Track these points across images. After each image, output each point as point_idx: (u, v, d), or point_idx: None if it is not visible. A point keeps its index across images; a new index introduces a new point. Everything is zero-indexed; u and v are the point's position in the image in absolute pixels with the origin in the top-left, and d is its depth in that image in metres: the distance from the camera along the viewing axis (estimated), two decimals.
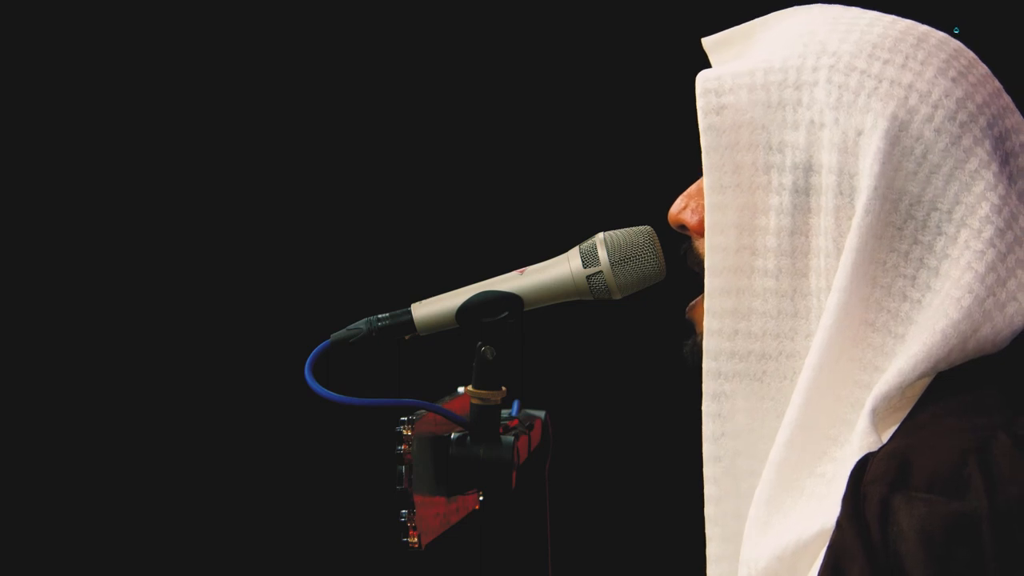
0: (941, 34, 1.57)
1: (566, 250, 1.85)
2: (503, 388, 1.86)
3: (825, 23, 1.57)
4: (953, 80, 1.52)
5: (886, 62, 1.52)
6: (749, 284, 1.56)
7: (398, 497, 1.80)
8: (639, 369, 3.48)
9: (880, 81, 1.51)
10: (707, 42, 1.67)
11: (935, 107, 1.50)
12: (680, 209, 1.66)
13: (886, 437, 1.47)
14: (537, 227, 3.46)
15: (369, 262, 3.56)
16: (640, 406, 3.52)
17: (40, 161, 3.59)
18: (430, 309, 1.86)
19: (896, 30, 1.55)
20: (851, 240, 1.48)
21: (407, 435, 1.79)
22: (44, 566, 3.60)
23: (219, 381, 3.58)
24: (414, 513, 1.79)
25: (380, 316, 1.87)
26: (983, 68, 1.56)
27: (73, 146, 3.59)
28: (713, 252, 1.57)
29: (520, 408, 2.00)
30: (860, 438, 1.45)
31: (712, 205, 1.56)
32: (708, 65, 1.65)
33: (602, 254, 1.82)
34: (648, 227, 1.83)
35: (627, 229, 1.84)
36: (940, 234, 1.49)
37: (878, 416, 1.47)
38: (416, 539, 1.80)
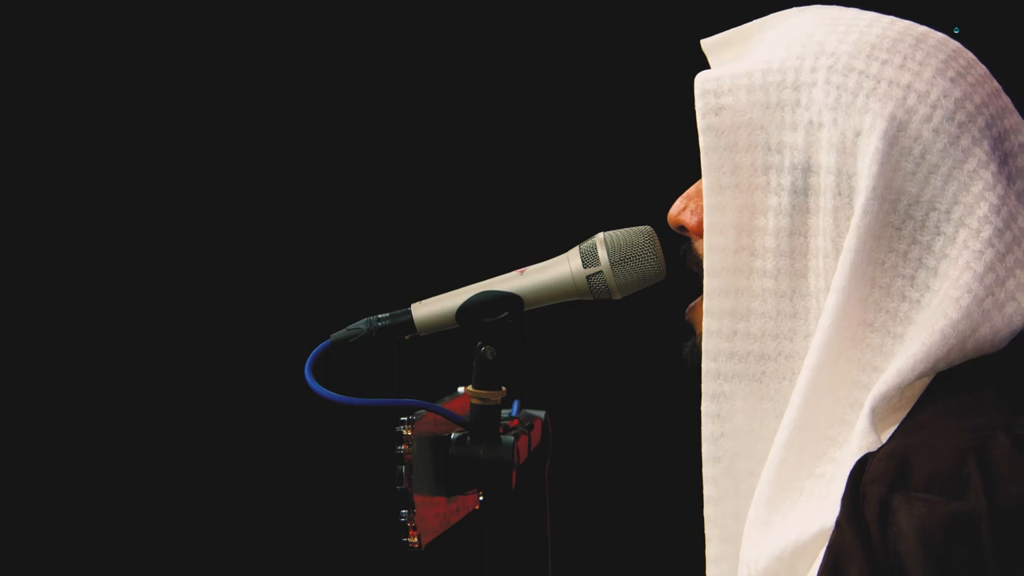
0: (940, 35, 1.57)
1: (566, 250, 1.85)
2: (503, 388, 1.86)
3: (824, 24, 1.57)
4: (951, 80, 1.52)
5: (884, 62, 1.52)
6: (748, 285, 1.56)
7: (398, 497, 1.80)
8: (639, 369, 3.48)
9: (878, 81, 1.51)
10: (706, 43, 1.67)
11: (933, 107, 1.50)
12: (679, 210, 1.66)
13: (885, 437, 1.47)
14: (537, 227, 3.46)
15: (369, 262, 3.56)
16: (640, 406, 3.52)
17: (40, 162, 3.59)
18: (430, 309, 1.86)
19: (895, 30, 1.55)
20: (849, 240, 1.48)
21: (407, 435, 1.79)
22: (44, 566, 3.60)
23: (219, 381, 3.59)
24: (414, 513, 1.79)
25: (380, 316, 1.87)
26: (982, 68, 1.56)
27: (73, 147, 3.59)
28: (712, 253, 1.57)
29: (520, 408, 2.00)
30: (859, 438, 1.46)
31: (711, 206, 1.56)
32: (707, 66, 1.65)
33: (602, 254, 1.82)
34: (648, 227, 1.83)
35: (627, 229, 1.84)
36: (939, 234, 1.49)
37: (877, 416, 1.47)
38: (416, 539, 1.80)
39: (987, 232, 1.47)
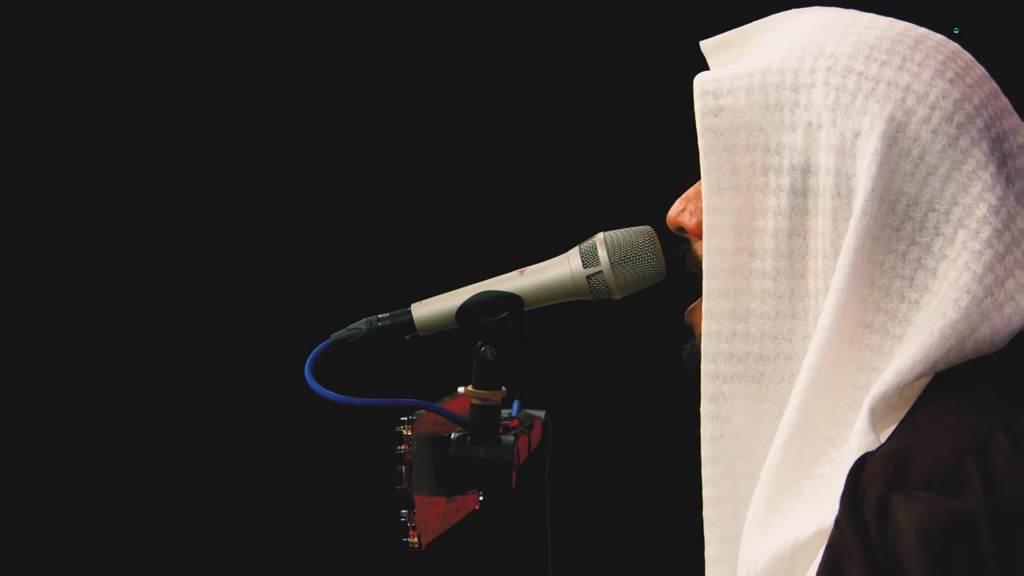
0: (939, 36, 1.58)
1: (566, 250, 1.85)
2: (503, 388, 1.86)
3: (823, 25, 1.57)
4: (950, 81, 1.52)
5: (883, 63, 1.52)
6: (747, 286, 1.56)
7: (398, 497, 1.80)
8: (639, 370, 3.48)
9: (877, 82, 1.51)
10: (705, 45, 1.67)
11: (932, 108, 1.50)
12: (678, 211, 1.66)
13: (884, 437, 1.47)
14: (537, 227, 3.46)
15: (369, 262, 3.56)
16: (640, 407, 3.52)
17: (40, 162, 3.59)
18: (430, 309, 1.86)
19: (894, 32, 1.56)
20: (848, 241, 1.48)
21: (407, 435, 1.79)
22: (44, 566, 3.61)
23: (220, 381, 3.59)
24: (414, 513, 1.79)
25: (380, 316, 1.87)
26: (980, 70, 1.57)
27: (73, 147, 3.59)
28: (711, 254, 1.57)
29: (520, 408, 2.00)
30: (858, 438, 1.46)
31: (710, 207, 1.56)
32: (706, 67, 1.65)
33: (602, 254, 1.82)
34: (648, 227, 1.83)
35: (627, 229, 1.84)
36: (938, 235, 1.49)
37: (876, 416, 1.47)
38: (416, 539, 1.80)
39: (986, 233, 1.48)
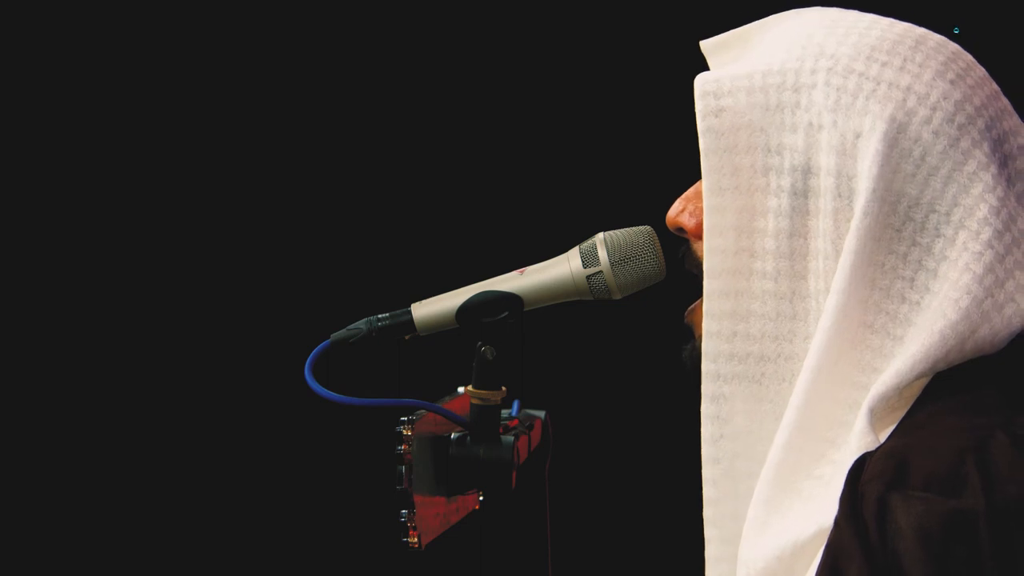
0: (939, 36, 1.58)
1: (566, 250, 1.85)
2: (503, 388, 1.86)
3: (823, 26, 1.57)
4: (951, 82, 1.52)
5: (884, 64, 1.52)
6: (748, 286, 1.56)
7: (398, 497, 1.80)
8: (639, 370, 3.48)
9: (878, 83, 1.51)
10: (705, 45, 1.67)
11: (933, 109, 1.50)
12: (678, 212, 1.66)
13: (883, 437, 1.47)
14: (537, 227, 3.46)
15: (369, 262, 3.56)
16: (640, 407, 3.52)
17: (40, 162, 3.59)
18: (430, 309, 1.86)
19: (894, 32, 1.56)
20: (849, 242, 1.48)
21: (407, 435, 1.79)
22: (44, 566, 3.61)
23: (220, 381, 3.59)
24: (414, 513, 1.79)
25: (380, 316, 1.87)
26: (981, 71, 1.57)
27: (73, 147, 3.59)
28: (712, 254, 1.57)
29: (520, 408, 2.00)
30: (858, 438, 1.46)
31: (711, 207, 1.56)
32: (706, 67, 1.65)
33: (602, 254, 1.82)
34: (648, 227, 1.83)
35: (627, 229, 1.84)
36: (938, 236, 1.49)
37: (876, 416, 1.47)
38: (416, 539, 1.80)
39: (987, 234, 1.48)
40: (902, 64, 1.52)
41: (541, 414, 2.03)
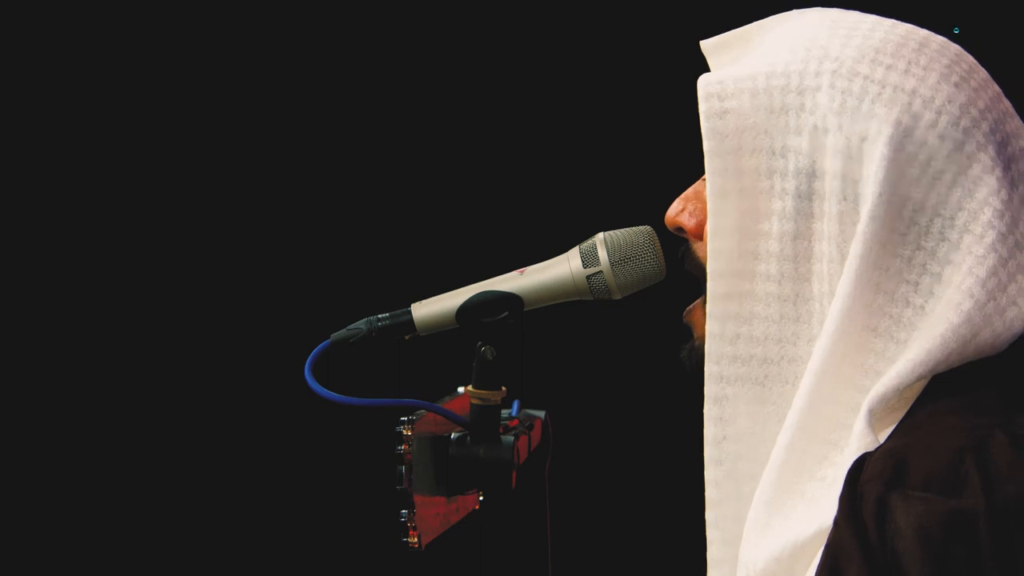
0: (941, 38, 1.57)
1: (566, 250, 1.85)
2: (503, 388, 1.86)
3: (825, 28, 1.57)
4: (956, 85, 1.52)
5: (889, 67, 1.52)
6: (751, 289, 1.56)
7: (398, 497, 1.80)
8: (639, 370, 3.48)
9: (884, 87, 1.51)
10: (705, 45, 1.67)
11: (939, 113, 1.50)
12: (678, 212, 1.66)
13: (883, 437, 1.47)
14: (537, 227, 3.46)
15: (369, 262, 3.56)
16: (640, 407, 3.52)
17: (40, 162, 3.59)
18: (430, 309, 1.86)
19: (897, 35, 1.55)
20: (855, 246, 1.48)
21: (407, 435, 1.79)
22: (44, 566, 3.61)
23: (220, 381, 3.59)
24: (414, 513, 1.79)
25: (380, 316, 1.87)
26: (983, 72, 1.57)
27: (73, 147, 3.59)
28: (715, 257, 1.56)
29: (520, 408, 2.00)
30: (857, 439, 1.46)
31: (714, 210, 1.56)
32: (706, 66, 1.65)
33: (602, 254, 1.82)
34: (648, 227, 1.83)
35: (627, 229, 1.84)
36: (943, 240, 1.49)
37: (875, 417, 1.47)
38: (416, 539, 1.80)
39: (990, 237, 1.48)
40: (906, 67, 1.52)
41: (541, 414, 2.03)
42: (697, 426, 1.59)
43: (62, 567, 3.60)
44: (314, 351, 1.85)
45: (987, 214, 1.48)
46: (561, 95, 3.53)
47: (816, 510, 1.46)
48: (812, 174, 1.52)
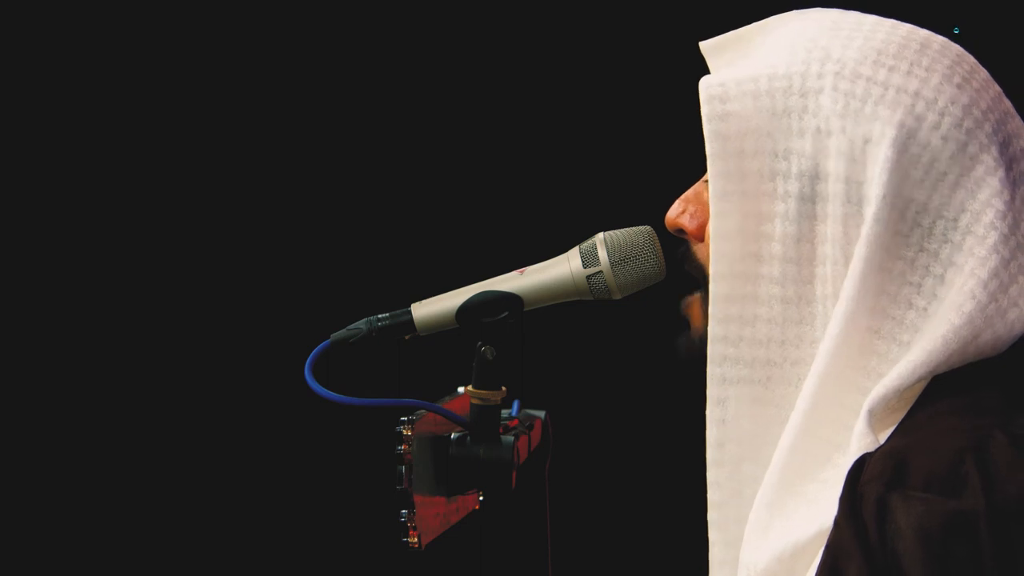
0: (942, 38, 1.57)
1: (566, 250, 1.85)
2: (503, 388, 1.86)
3: (826, 29, 1.57)
4: (958, 86, 1.52)
5: (891, 69, 1.52)
6: (754, 291, 1.56)
7: (398, 497, 1.80)
8: (639, 370, 3.48)
9: (886, 88, 1.51)
10: (705, 45, 1.66)
11: (942, 114, 1.50)
12: (678, 213, 1.66)
13: (883, 438, 1.47)
14: (537, 227, 3.46)
15: (369, 262, 3.56)
16: (640, 407, 3.52)
17: (40, 162, 3.59)
18: (430, 309, 1.86)
19: (898, 36, 1.55)
20: (860, 249, 1.48)
21: (407, 435, 1.79)
22: (44, 566, 3.61)
23: (220, 381, 3.59)
24: (414, 513, 1.79)
25: (380, 316, 1.87)
26: (984, 73, 1.57)
27: (73, 147, 3.59)
28: (718, 259, 1.56)
29: (520, 408, 2.00)
30: (857, 439, 1.46)
31: (717, 212, 1.56)
32: (705, 66, 1.65)
33: (602, 254, 1.82)
34: (648, 227, 1.83)
35: (627, 229, 1.84)
36: (946, 242, 1.49)
37: (875, 417, 1.47)
38: (416, 539, 1.80)
39: (992, 238, 1.48)
40: (909, 68, 1.52)
41: (541, 414, 2.03)
42: (698, 426, 1.59)
43: (62, 567, 3.60)
44: (314, 351, 1.85)
45: (989, 215, 1.48)
46: (561, 95, 3.53)
47: (817, 511, 1.47)
48: (815, 176, 1.52)
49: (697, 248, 1.65)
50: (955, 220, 1.49)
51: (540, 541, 2.03)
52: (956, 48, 1.57)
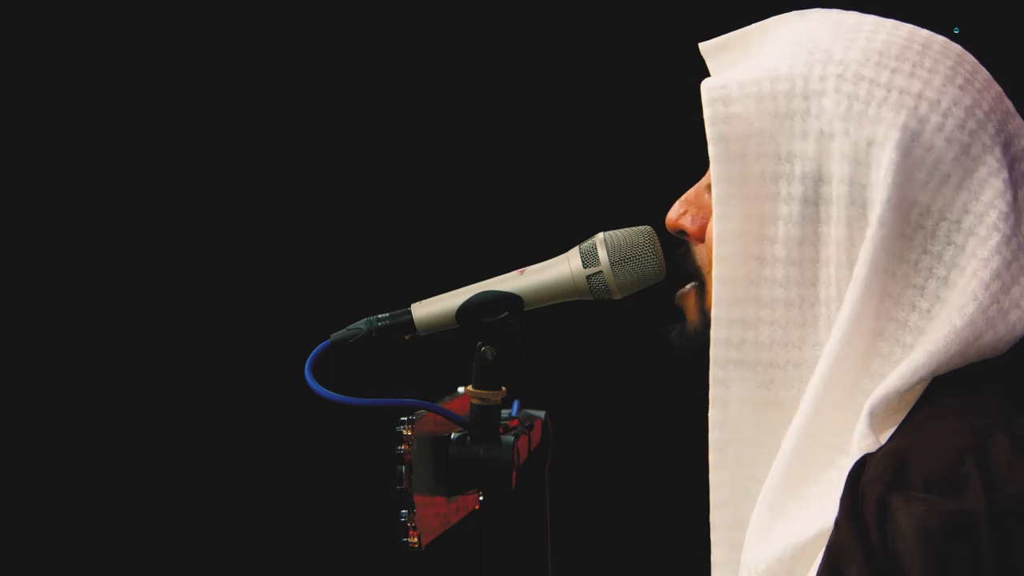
0: (942, 39, 1.57)
1: (566, 250, 1.85)
2: (503, 388, 1.86)
3: (827, 30, 1.56)
4: (961, 88, 1.52)
5: (894, 71, 1.52)
6: (757, 294, 1.55)
7: (398, 497, 1.80)
8: (639, 370, 3.48)
9: (889, 90, 1.51)
10: (704, 46, 1.66)
11: (945, 116, 1.50)
12: (679, 214, 1.66)
13: (884, 439, 1.47)
14: (537, 227, 3.46)
15: (369, 262, 3.56)
16: (641, 407, 3.52)
17: (40, 162, 3.59)
18: (430, 309, 1.86)
19: (900, 37, 1.55)
20: (864, 252, 1.48)
21: (407, 435, 1.79)
22: (44, 566, 3.60)
23: (220, 381, 3.59)
24: (414, 513, 1.79)
25: (380, 316, 1.87)
26: (985, 73, 1.56)
27: (73, 147, 3.59)
28: (721, 262, 1.56)
29: (520, 408, 2.00)
30: (858, 440, 1.45)
31: (720, 215, 1.56)
32: (705, 67, 1.64)
33: (602, 254, 1.82)
34: (648, 227, 1.83)
35: (627, 229, 1.84)
36: (949, 244, 1.49)
37: (876, 418, 1.47)
38: (416, 539, 1.80)
39: (995, 239, 1.47)
40: (911, 70, 1.52)
41: (541, 414, 2.03)
42: (698, 426, 1.59)
43: (62, 567, 3.60)
44: (314, 351, 1.85)
45: (992, 216, 1.48)
46: (561, 96, 3.53)
47: (818, 512, 1.46)
48: (819, 179, 1.52)
49: (698, 248, 1.65)
50: (958, 222, 1.48)
51: (540, 541, 2.03)
52: (957, 48, 1.57)
